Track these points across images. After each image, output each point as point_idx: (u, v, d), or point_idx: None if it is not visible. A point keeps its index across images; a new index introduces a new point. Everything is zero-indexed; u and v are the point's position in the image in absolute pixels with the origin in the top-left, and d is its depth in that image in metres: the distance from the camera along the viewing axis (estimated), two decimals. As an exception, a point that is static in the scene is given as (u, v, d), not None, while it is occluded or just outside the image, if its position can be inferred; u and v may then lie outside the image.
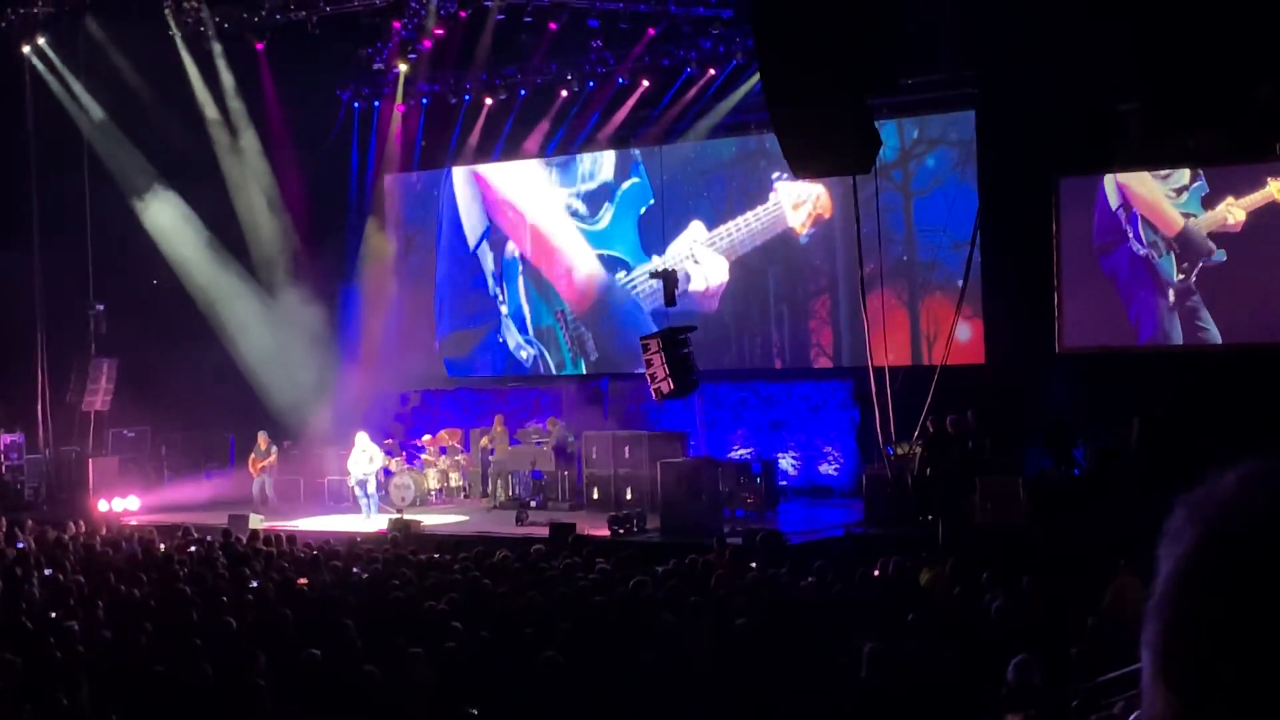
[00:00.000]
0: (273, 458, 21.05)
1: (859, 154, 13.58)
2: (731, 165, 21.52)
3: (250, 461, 21.10)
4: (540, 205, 22.98)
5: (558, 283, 22.88)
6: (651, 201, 21.86)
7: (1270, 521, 0.98)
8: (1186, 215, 17.56)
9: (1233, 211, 17.26)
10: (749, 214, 21.14)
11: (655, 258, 21.46)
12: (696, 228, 21.55)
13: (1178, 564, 1.01)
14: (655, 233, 21.74)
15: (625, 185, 22.14)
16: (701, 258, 21.45)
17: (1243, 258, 17.19)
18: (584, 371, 22.67)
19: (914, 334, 19.68)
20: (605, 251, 22.38)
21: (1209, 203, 17.41)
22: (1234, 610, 0.96)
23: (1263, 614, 0.95)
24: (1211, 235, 17.41)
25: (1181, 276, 17.60)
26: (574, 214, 22.69)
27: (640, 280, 21.81)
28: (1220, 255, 17.34)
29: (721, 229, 21.37)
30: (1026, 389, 17.69)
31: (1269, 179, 16.97)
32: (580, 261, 22.66)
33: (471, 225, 23.77)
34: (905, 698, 7.77)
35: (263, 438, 21.13)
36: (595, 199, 22.47)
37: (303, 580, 12.37)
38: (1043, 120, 17.17)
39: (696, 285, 21.34)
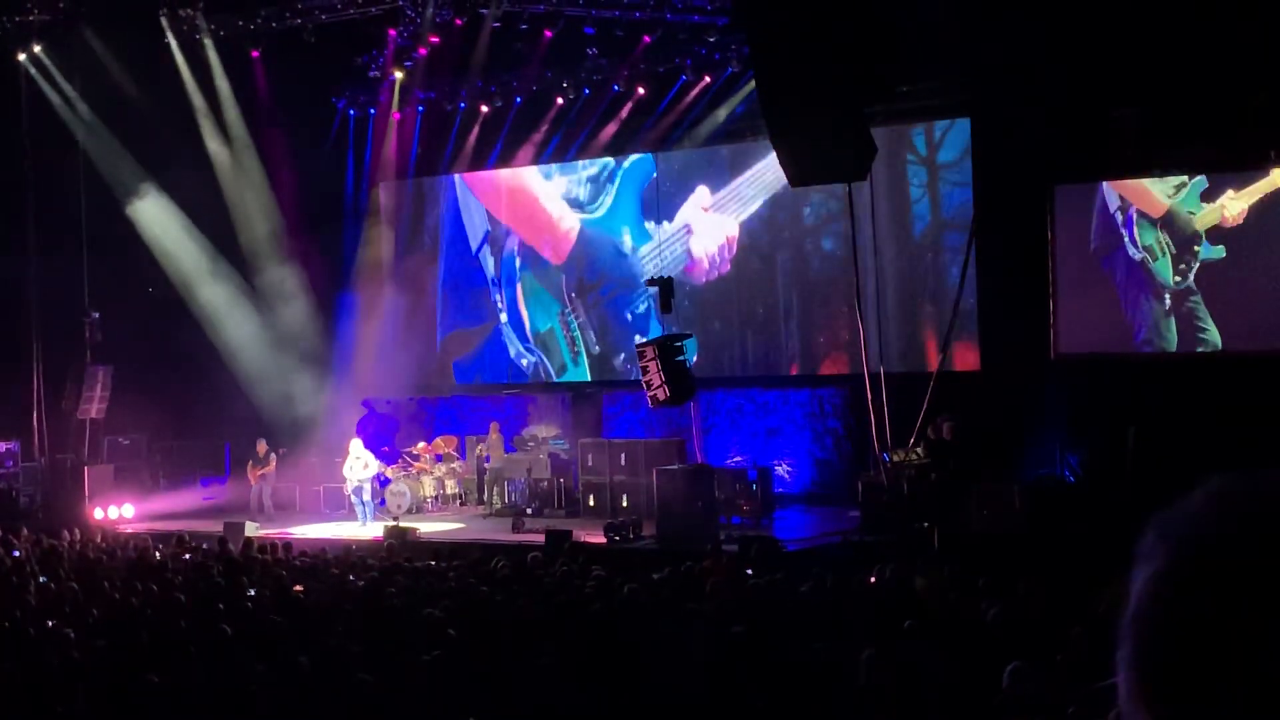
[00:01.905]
0: (272, 465, 21.04)
1: (855, 162, 13.64)
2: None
3: (249, 468, 21.09)
4: (533, 183, 23.04)
5: (543, 248, 22.84)
6: (655, 174, 21.83)
7: (1240, 539, 0.98)
8: (1190, 213, 17.48)
9: (1232, 204, 17.16)
10: (751, 170, 21.04)
11: (665, 224, 21.49)
12: (701, 193, 21.54)
13: (1150, 584, 1.02)
14: (659, 202, 21.70)
15: (628, 162, 22.11)
16: (706, 225, 21.40)
17: (1243, 256, 17.11)
18: (586, 372, 22.65)
19: (941, 332, 19.30)
20: (608, 237, 22.38)
21: (1209, 197, 17.33)
22: (1208, 630, 0.96)
23: (1236, 632, 0.95)
24: (1212, 231, 17.34)
25: (1179, 279, 17.57)
26: (574, 202, 22.70)
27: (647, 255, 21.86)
28: (1220, 251, 17.26)
29: (727, 189, 21.33)
30: (1022, 395, 17.69)
31: (1273, 169, 16.86)
32: (566, 222, 22.70)
33: (473, 228, 23.79)
34: (902, 705, 7.77)
35: (261, 445, 21.13)
36: (596, 181, 22.47)
37: (298, 588, 12.35)
38: (1038, 128, 17.20)
39: (707, 247, 21.31)
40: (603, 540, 16.46)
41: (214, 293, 22.96)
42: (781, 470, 19.93)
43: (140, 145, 22.37)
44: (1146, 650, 1.01)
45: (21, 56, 22.23)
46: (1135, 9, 15.79)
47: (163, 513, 20.77)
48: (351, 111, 24.11)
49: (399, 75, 22.95)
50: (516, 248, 23.27)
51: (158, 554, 15.42)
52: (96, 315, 22.29)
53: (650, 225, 21.81)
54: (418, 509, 20.41)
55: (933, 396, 16.62)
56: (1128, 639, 1.02)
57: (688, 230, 21.55)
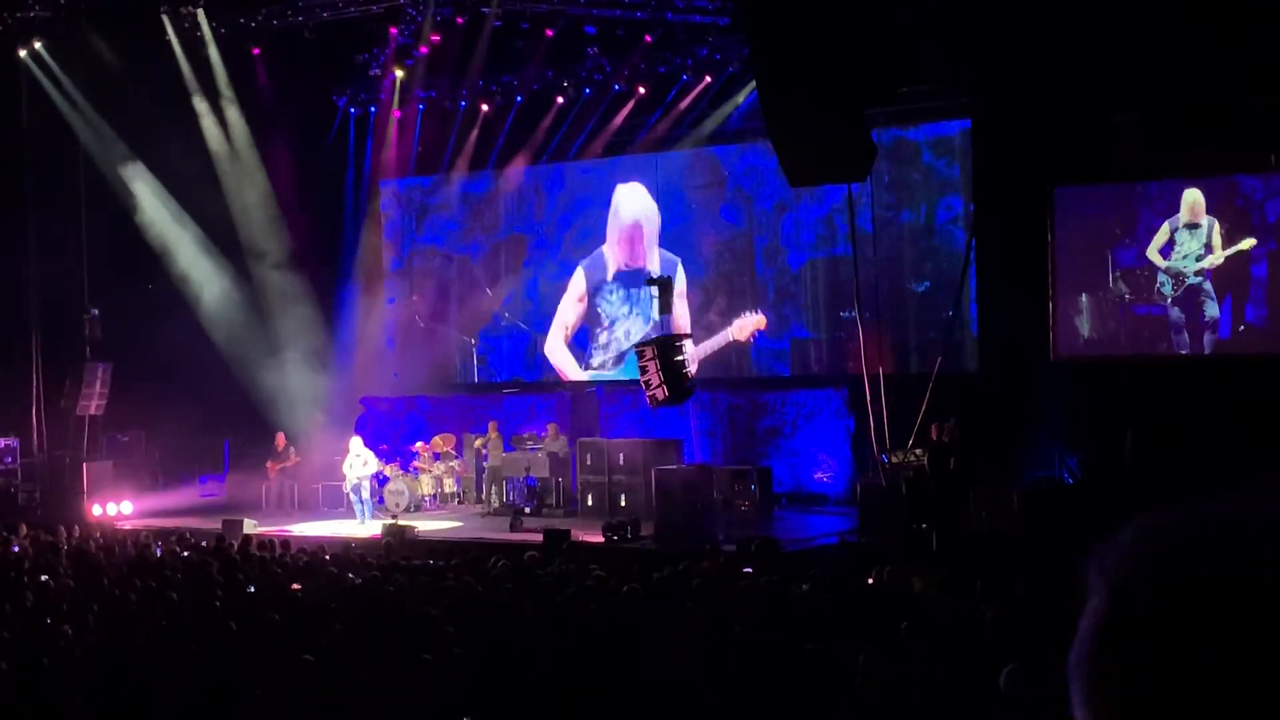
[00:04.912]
0: (292, 459, 21.12)
1: (856, 163, 13.64)
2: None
3: (268, 463, 21.17)
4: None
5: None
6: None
7: (1170, 575, 0.99)
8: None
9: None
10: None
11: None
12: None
13: (1092, 622, 1.03)
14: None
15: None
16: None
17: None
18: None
19: (940, 334, 19.11)
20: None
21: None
22: (1149, 667, 0.97)
23: (1175, 666, 0.96)
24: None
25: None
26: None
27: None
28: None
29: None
30: (1020, 397, 17.71)
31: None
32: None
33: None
34: (899, 707, 7.77)
35: (280, 439, 21.21)
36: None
37: (296, 585, 12.35)
38: (1038, 129, 17.22)
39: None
40: (601, 540, 16.46)
41: (213, 289, 22.96)
42: (780, 471, 19.90)
43: (140, 142, 22.37)
44: (1097, 689, 1.02)
45: (22, 53, 22.23)
46: (1135, 12, 15.80)
47: (161, 509, 20.77)
48: (352, 109, 24.12)
49: (400, 73, 22.96)
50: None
51: (156, 551, 15.42)
52: (96, 312, 22.31)
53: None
54: (416, 507, 20.41)
55: (931, 398, 16.64)
56: (1077, 677, 1.03)
57: None
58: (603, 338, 22.44)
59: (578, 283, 22.58)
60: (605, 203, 22.37)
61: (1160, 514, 1.04)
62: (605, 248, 22.32)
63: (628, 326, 22.13)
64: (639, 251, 22.00)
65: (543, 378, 23.07)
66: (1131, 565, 1.02)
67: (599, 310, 22.44)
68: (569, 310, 22.66)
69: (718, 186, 21.55)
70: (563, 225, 22.98)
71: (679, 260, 21.53)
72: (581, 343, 22.67)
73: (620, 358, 22.14)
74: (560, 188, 22.97)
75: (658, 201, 21.81)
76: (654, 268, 21.53)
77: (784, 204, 20.67)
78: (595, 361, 22.54)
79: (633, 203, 22.01)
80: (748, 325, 21.01)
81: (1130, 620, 1.00)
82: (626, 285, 22.11)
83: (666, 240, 21.77)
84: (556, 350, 22.76)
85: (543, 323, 23.00)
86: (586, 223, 22.65)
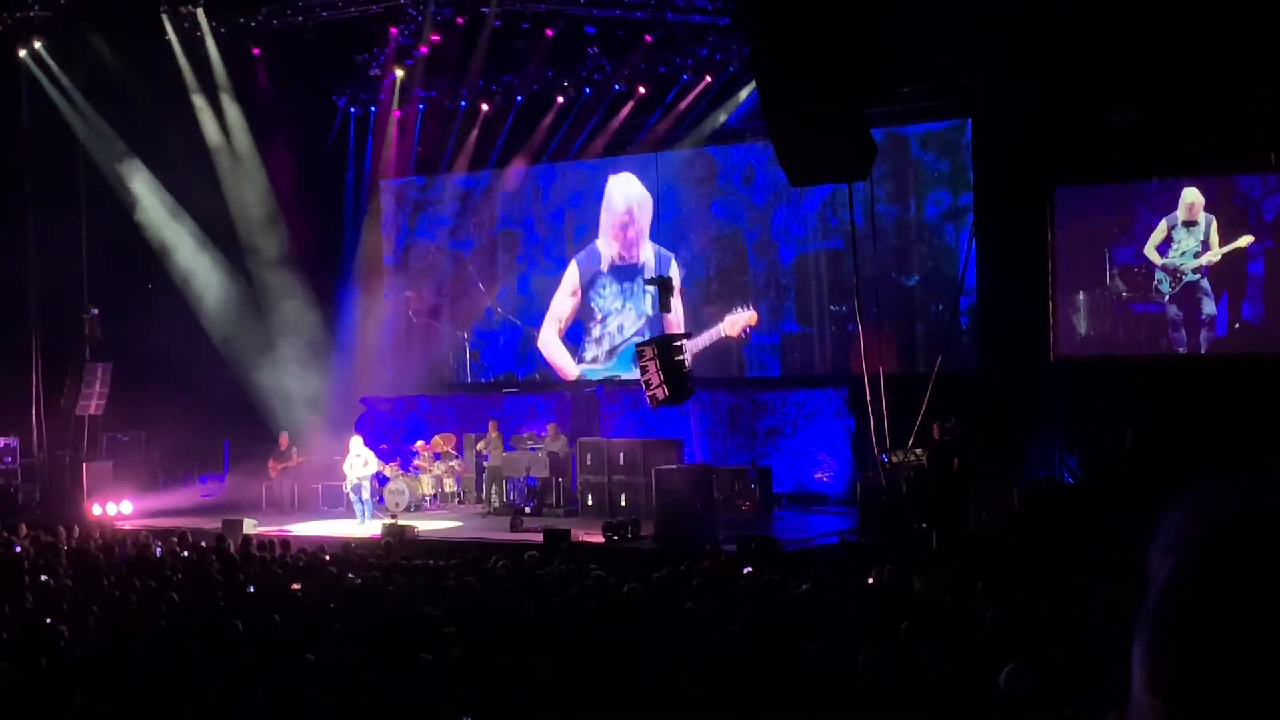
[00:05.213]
0: (295, 459, 21.10)
1: (856, 162, 13.66)
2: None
3: (270, 462, 21.16)
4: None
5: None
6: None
7: (1255, 534, 0.98)
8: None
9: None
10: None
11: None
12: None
13: (1166, 579, 1.02)
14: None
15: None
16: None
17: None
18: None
19: (940, 333, 19.21)
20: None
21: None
22: (1223, 626, 0.96)
23: (1252, 629, 0.95)
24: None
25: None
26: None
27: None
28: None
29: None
30: (1020, 396, 17.71)
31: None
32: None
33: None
34: (899, 706, 7.77)
35: (284, 438, 21.20)
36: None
37: (296, 585, 12.35)
38: (1038, 129, 17.22)
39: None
40: (601, 540, 16.46)
41: (213, 289, 22.98)
42: (780, 470, 19.89)
43: (140, 142, 22.38)
44: (1164, 646, 1.01)
45: (22, 53, 22.23)
46: (1135, 11, 15.80)
47: (161, 509, 20.78)
48: (352, 109, 24.13)
49: (400, 73, 22.97)
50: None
51: (156, 551, 15.42)
52: (96, 311, 22.31)
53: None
54: (416, 507, 20.40)
55: (931, 397, 16.64)
56: (1144, 634, 1.02)
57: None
58: (596, 331, 22.46)
59: (571, 277, 22.60)
60: (599, 198, 22.41)
61: (1235, 478, 1.03)
62: (599, 241, 22.37)
63: (621, 320, 22.17)
64: (632, 241, 22.01)
65: (535, 372, 23.11)
66: (1217, 520, 1.01)
67: (592, 304, 22.45)
68: (562, 304, 22.67)
69: (711, 182, 21.59)
70: (557, 220, 23.01)
71: (673, 256, 21.55)
72: (575, 337, 22.69)
73: (613, 352, 22.17)
74: (554, 183, 22.99)
75: (655, 199, 21.81)
76: (647, 259, 21.57)
77: (775, 198, 20.73)
78: (589, 356, 22.57)
79: (624, 190, 22.06)
80: (739, 321, 21.04)
81: (1212, 576, 0.99)
82: (620, 279, 22.13)
83: (662, 237, 21.78)
84: (550, 344, 22.79)
85: (536, 317, 23.01)
86: (581, 218, 22.68)
